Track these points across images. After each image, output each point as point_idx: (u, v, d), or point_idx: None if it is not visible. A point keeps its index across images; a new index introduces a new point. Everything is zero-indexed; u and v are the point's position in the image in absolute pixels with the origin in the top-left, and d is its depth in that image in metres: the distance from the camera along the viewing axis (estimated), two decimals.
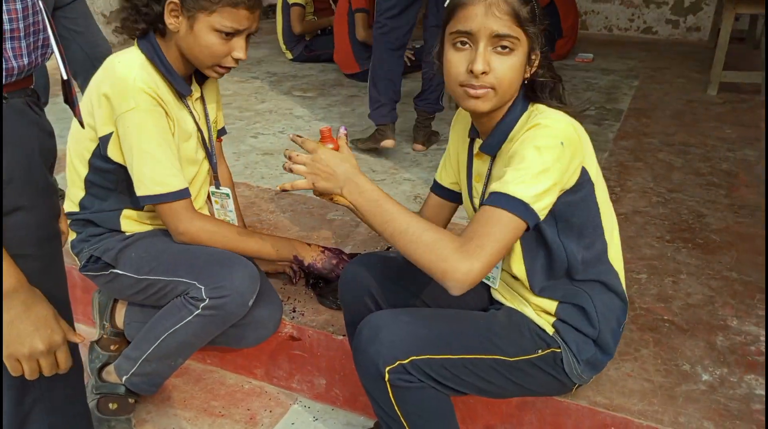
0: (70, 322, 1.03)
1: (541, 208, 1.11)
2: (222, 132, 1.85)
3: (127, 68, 1.46)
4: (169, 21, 1.45)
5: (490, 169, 1.27)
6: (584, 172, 1.19)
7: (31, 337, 0.92)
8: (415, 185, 2.61)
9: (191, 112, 1.61)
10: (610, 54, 4.92)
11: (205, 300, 1.49)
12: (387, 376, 1.18)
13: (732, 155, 2.87)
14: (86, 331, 2.06)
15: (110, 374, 1.69)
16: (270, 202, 2.45)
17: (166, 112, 1.51)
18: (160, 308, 1.59)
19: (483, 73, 1.13)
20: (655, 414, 1.38)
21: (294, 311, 1.77)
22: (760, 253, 2.02)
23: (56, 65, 0.99)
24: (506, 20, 1.12)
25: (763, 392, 1.44)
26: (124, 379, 1.63)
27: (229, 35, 1.44)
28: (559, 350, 1.27)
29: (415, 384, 1.19)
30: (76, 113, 1.05)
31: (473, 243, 1.06)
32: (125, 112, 1.44)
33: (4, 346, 0.92)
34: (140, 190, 1.51)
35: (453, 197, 1.50)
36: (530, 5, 1.13)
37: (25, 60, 0.90)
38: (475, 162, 1.32)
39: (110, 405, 1.64)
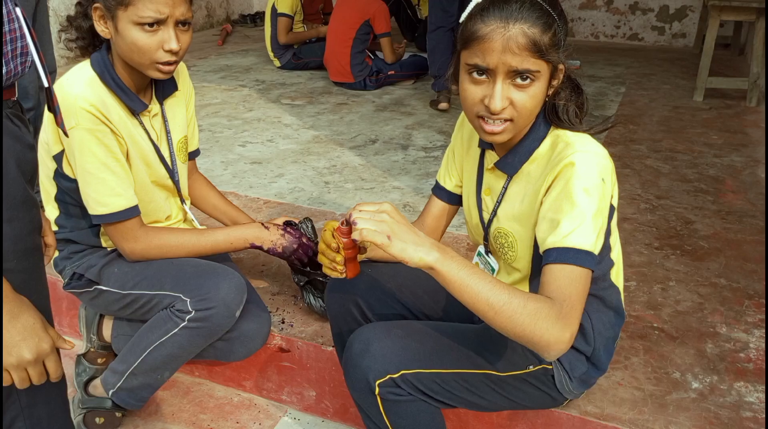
0: None
1: (599, 248, 1.09)
2: (194, 154, 1.79)
3: (70, 85, 1.42)
4: (100, 29, 1.42)
5: (505, 187, 1.23)
6: (610, 201, 1.16)
7: (18, 346, 0.91)
8: (405, 193, 2.61)
9: (146, 130, 1.55)
10: (596, 61, 4.95)
11: (191, 312, 1.48)
12: (377, 389, 1.17)
13: (719, 161, 2.89)
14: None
15: (96, 388, 1.66)
16: (258, 211, 2.44)
17: (113, 131, 1.45)
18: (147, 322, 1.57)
19: (503, 109, 1.09)
20: (645, 423, 1.38)
21: (283, 322, 1.75)
22: (748, 260, 2.03)
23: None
24: (526, 55, 1.05)
25: (752, 399, 1.44)
26: (110, 392, 1.61)
27: (153, 26, 1.37)
28: (550, 366, 1.26)
29: (405, 397, 1.18)
30: (58, 121, 1.03)
31: (567, 305, 1.02)
32: (68, 130, 1.41)
33: None
34: (89, 210, 1.49)
35: (457, 200, 1.44)
36: (552, 29, 1.06)
37: (4, 69, 0.88)
38: (487, 174, 1.29)
39: (96, 419, 1.62)
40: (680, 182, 2.65)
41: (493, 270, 1.33)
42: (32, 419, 1.02)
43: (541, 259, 1.11)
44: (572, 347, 1.27)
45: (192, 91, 1.74)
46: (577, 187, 1.07)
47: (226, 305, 1.49)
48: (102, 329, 1.82)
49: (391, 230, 0.97)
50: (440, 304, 1.44)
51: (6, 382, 0.93)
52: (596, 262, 1.07)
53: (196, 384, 1.87)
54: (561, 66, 1.12)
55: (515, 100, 1.09)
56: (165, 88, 1.59)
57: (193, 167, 1.83)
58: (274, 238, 1.65)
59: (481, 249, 1.36)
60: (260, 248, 1.64)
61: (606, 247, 1.20)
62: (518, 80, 1.08)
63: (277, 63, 4.74)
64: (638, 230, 2.23)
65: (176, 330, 1.50)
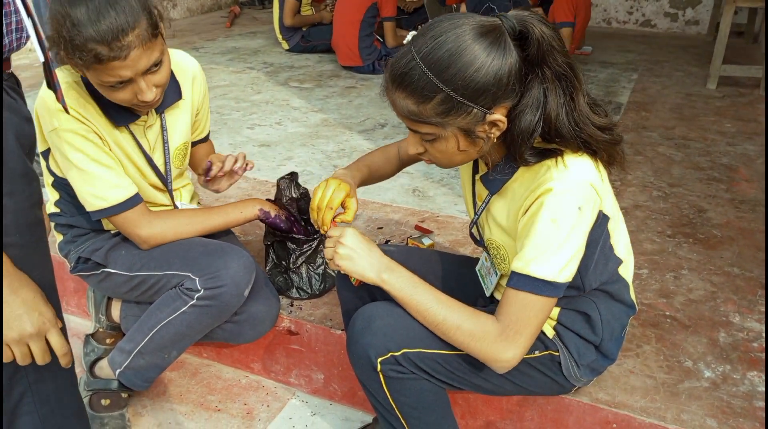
0: (59, 311, 1.01)
1: (567, 276, 1.08)
2: (205, 139, 1.78)
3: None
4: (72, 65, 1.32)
5: (486, 202, 1.23)
6: (600, 215, 1.12)
7: (19, 320, 0.90)
8: (413, 178, 2.59)
9: (136, 140, 1.50)
10: (608, 47, 4.90)
11: (200, 290, 1.47)
12: (379, 366, 1.16)
13: (732, 150, 2.85)
14: (81, 324, 2.03)
15: (103, 369, 1.66)
16: (267, 194, 2.42)
17: (96, 132, 1.41)
18: None
19: (419, 153, 1.15)
20: (657, 411, 1.37)
21: (292, 305, 1.74)
22: (761, 249, 2.01)
23: None
24: (408, 122, 1.09)
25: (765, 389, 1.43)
26: (117, 372, 1.60)
27: (121, 84, 1.30)
28: (557, 353, 1.25)
29: (407, 375, 1.18)
30: (59, 97, 1.01)
31: (511, 330, 1.08)
32: (50, 131, 1.39)
33: None
34: (87, 207, 1.46)
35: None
36: (435, 98, 1.01)
37: None
38: (477, 184, 1.28)
39: (102, 401, 1.61)
40: (693, 170, 2.62)
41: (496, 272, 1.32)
42: (40, 395, 1.02)
43: None
44: (580, 336, 1.26)
45: (205, 92, 1.68)
46: (545, 217, 1.05)
47: (235, 283, 1.48)
48: (111, 310, 1.82)
49: (349, 257, 1.16)
50: (451, 292, 1.43)
51: (7, 358, 0.92)
52: (561, 289, 1.08)
53: (204, 365, 1.87)
54: (492, 117, 1.04)
55: (427, 150, 1.13)
56: (166, 99, 1.52)
57: (204, 148, 1.81)
58: (275, 211, 1.68)
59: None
60: (268, 215, 1.66)
61: (609, 249, 1.19)
62: (420, 136, 1.10)
63: (286, 46, 4.71)
64: (650, 218, 2.20)
65: (185, 308, 1.49)
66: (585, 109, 1.08)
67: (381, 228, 2.13)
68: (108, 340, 1.81)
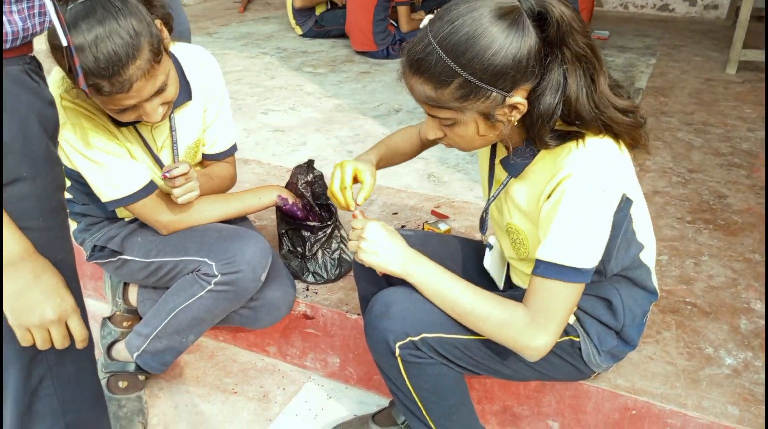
0: (79, 297, 1.01)
1: (594, 261, 1.07)
2: (226, 153, 1.67)
3: (58, 82, 1.35)
4: None
5: (504, 184, 1.21)
6: (623, 198, 1.08)
7: (41, 305, 0.90)
8: (429, 163, 2.57)
9: (142, 138, 1.47)
10: (626, 31, 4.82)
11: (217, 275, 1.47)
12: (397, 351, 1.15)
13: (752, 135, 2.81)
14: (98, 307, 2.04)
15: (120, 352, 1.67)
16: (281, 179, 2.41)
17: (102, 124, 1.39)
18: None
19: (437, 138, 1.13)
20: (678, 398, 1.35)
21: (308, 290, 1.74)
22: None
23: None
24: (426, 107, 1.07)
25: None
26: (134, 355, 1.61)
27: (127, 109, 1.28)
28: (577, 339, 1.23)
29: (426, 360, 1.17)
30: (79, 83, 1.01)
31: (541, 317, 1.07)
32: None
33: (14, 316, 0.90)
34: (103, 198, 1.45)
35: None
36: (453, 83, 0.99)
37: (20, 25, 0.86)
38: (496, 167, 1.26)
39: (120, 383, 1.62)
40: (713, 156, 2.58)
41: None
42: (60, 378, 1.02)
43: None
44: (601, 322, 1.25)
45: (221, 90, 1.61)
46: (568, 203, 1.03)
47: (251, 268, 1.47)
48: (128, 294, 1.82)
49: (373, 251, 1.15)
50: (470, 277, 1.41)
51: (27, 342, 0.92)
52: (589, 274, 1.06)
53: (220, 348, 1.87)
54: (512, 100, 1.01)
55: (447, 134, 1.11)
56: (176, 101, 1.46)
57: (225, 166, 1.69)
58: (293, 198, 1.67)
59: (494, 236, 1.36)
60: (286, 202, 1.66)
61: (631, 234, 1.17)
62: (439, 121, 1.09)
63: (299, 31, 4.68)
64: (670, 204, 2.17)
65: (202, 293, 1.49)
66: (606, 91, 1.05)
67: (396, 213, 2.11)
68: (125, 324, 1.82)
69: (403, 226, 2.02)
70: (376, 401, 1.68)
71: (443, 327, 1.16)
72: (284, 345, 1.79)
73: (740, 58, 3.69)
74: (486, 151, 1.30)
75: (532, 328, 1.07)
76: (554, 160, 1.08)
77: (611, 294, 1.23)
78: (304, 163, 1.75)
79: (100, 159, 1.41)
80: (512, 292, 1.36)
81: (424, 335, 1.15)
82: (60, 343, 0.95)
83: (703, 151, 2.62)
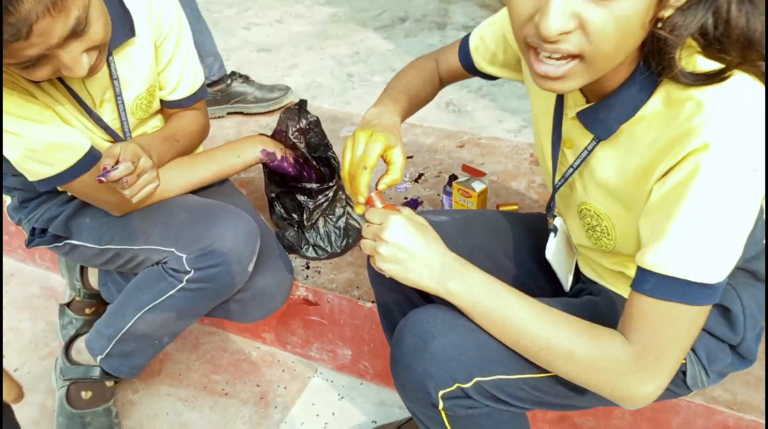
0: None
1: (731, 266, 0.71)
2: (191, 99, 1.27)
3: None
4: None
5: (589, 150, 0.82)
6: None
7: None
8: (447, 88, 2.14)
9: (72, 93, 1.08)
10: None
11: (189, 271, 1.12)
12: (441, 402, 0.82)
13: None
14: (61, 282, 1.71)
15: (81, 353, 1.35)
16: (271, 118, 2.01)
17: (14, 81, 1.02)
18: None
19: (563, 33, 0.64)
20: None
21: (307, 268, 1.39)
22: None
23: None
24: None
25: None
26: (98, 359, 1.29)
27: (35, 62, 0.90)
28: (683, 361, 0.90)
29: (480, 410, 0.84)
30: None
31: (651, 354, 0.73)
32: None
33: None
34: (30, 176, 1.08)
35: (484, 75, 1.08)
36: None
37: None
38: (568, 123, 0.87)
39: (83, 394, 1.31)
40: None
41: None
42: None
43: None
44: (713, 336, 0.91)
45: (177, 12, 1.19)
46: (703, 188, 0.66)
47: (235, 259, 1.13)
48: (87, 275, 1.49)
49: (396, 259, 0.80)
50: (531, 276, 1.06)
51: None
52: (718, 292, 0.70)
53: (206, 334, 1.56)
54: None
55: (588, 20, 0.63)
56: (112, 38, 1.06)
57: (193, 116, 1.30)
58: (280, 151, 1.32)
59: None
60: (273, 158, 1.30)
61: (759, 211, 0.79)
62: None
63: None
64: None
65: (172, 292, 1.15)
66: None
67: (411, 157, 1.73)
68: (87, 310, 1.50)
69: (420, 175, 1.64)
70: (397, 400, 1.38)
71: (504, 365, 0.82)
72: (283, 332, 1.47)
73: None
74: (546, 100, 0.91)
75: (639, 369, 0.74)
76: (673, 116, 0.70)
77: (729, 298, 0.88)
78: (295, 105, 1.35)
79: (18, 128, 1.02)
80: (581, 286, 1.01)
81: (477, 379, 0.81)
82: None
83: None
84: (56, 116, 1.08)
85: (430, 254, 0.80)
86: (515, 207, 1.48)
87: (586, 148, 0.83)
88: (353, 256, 1.41)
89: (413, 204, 1.55)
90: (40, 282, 1.72)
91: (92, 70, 0.97)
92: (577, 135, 0.85)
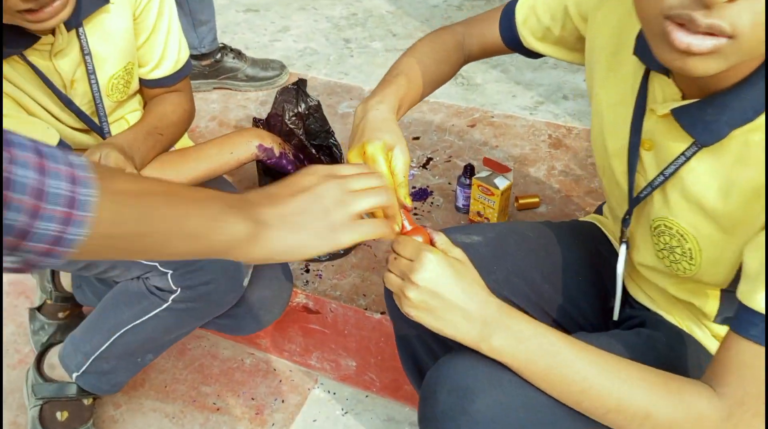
0: None
1: None
2: (176, 76, 1.11)
3: None
4: None
5: (687, 157, 0.67)
6: None
7: None
8: None
9: (39, 75, 0.92)
10: None
11: (176, 290, 0.98)
12: None
13: None
14: (30, 279, 1.55)
15: (55, 369, 1.20)
16: (266, 96, 1.82)
17: None
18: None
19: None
20: None
21: (307, 271, 1.25)
22: None
23: None
24: None
25: None
26: (74, 376, 1.15)
27: None
28: None
29: None
30: None
31: (746, 410, 0.61)
32: None
33: None
34: None
35: (525, 52, 0.92)
36: None
37: None
38: (652, 121, 0.71)
39: (58, 414, 1.18)
40: None
41: None
42: None
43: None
44: None
45: None
46: None
47: (227, 276, 0.99)
48: (59, 276, 1.33)
49: (427, 307, 0.67)
50: (572, 299, 0.91)
51: None
52: None
53: (194, 338, 1.41)
54: None
55: None
56: (81, 5, 0.91)
57: (176, 100, 1.13)
58: (277, 146, 1.17)
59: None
60: (271, 154, 1.16)
61: None
62: None
63: None
64: None
65: (157, 311, 1.01)
66: None
67: (417, 138, 1.57)
68: (60, 314, 1.35)
69: (429, 161, 1.48)
70: (407, 416, 1.26)
71: (557, 425, 0.69)
72: (280, 339, 1.33)
73: None
74: (621, 88, 0.75)
75: (734, 426, 0.62)
76: None
77: None
78: (292, 86, 1.19)
79: None
80: (630, 313, 0.88)
81: None
82: None
83: None
84: (17, 106, 0.92)
85: (469, 304, 0.66)
86: (536, 199, 1.34)
87: (683, 154, 0.67)
88: (357, 257, 1.27)
89: (423, 194, 1.40)
90: (8, 278, 1.56)
91: (56, 11, 0.80)
92: (664, 137, 0.69)
